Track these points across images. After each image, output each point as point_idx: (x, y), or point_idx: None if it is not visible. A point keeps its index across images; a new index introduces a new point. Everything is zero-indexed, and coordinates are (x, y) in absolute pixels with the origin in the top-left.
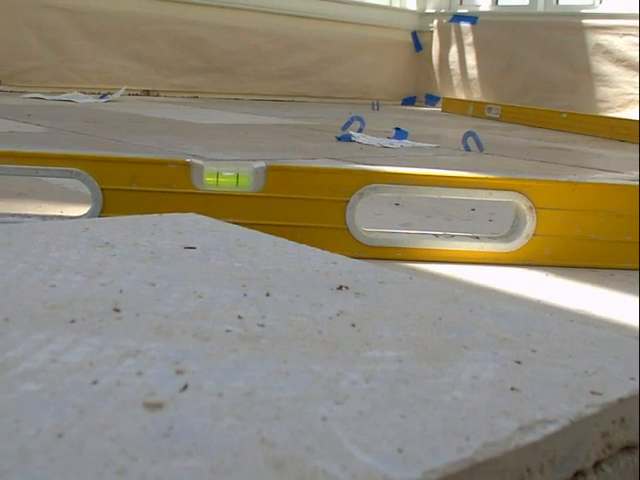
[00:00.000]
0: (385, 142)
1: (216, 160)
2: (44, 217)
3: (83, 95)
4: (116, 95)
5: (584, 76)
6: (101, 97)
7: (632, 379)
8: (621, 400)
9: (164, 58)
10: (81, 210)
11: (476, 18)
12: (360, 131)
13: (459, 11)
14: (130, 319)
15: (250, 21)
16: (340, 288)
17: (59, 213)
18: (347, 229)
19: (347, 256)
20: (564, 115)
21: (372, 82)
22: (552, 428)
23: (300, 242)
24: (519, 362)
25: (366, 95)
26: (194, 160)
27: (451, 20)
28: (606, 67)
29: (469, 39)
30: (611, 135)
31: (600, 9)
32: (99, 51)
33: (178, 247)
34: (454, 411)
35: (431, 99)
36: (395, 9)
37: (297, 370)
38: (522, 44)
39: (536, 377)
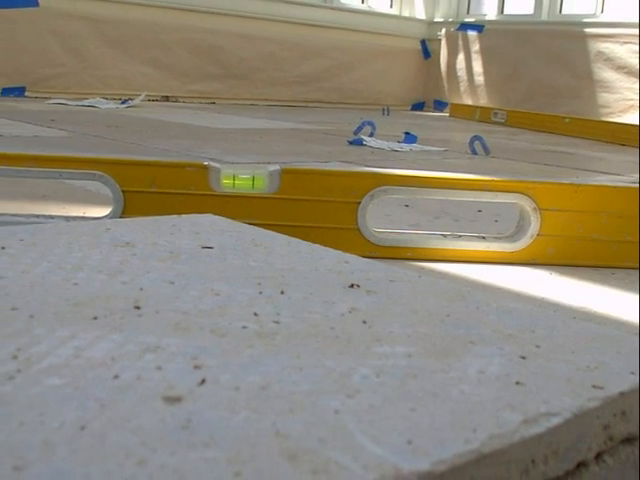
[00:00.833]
0: (395, 146)
1: (232, 163)
2: (67, 218)
3: (105, 101)
4: (136, 101)
5: (586, 82)
6: (122, 103)
7: (632, 374)
8: (622, 394)
9: (183, 65)
10: (103, 211)
11: (482, 27)
12: (371, 135)
13: (466, 20)
14: (150, 316)
15: (265, 30)
16: (352, 286)
17: (82, 214)
18: (358, 229)
19: (358, 255)
20: (567, 120)
21: (382, 88)
22: (555, 421)
23: (313, 242)
24: (524, 357)
25: (377, 101)
26: (211, 163)
27: (458, 29)
28: (607, 74)
29: (476, 47)
30: (612, 139)
31: (602, 18)
32: (120, 58)
33: (196, 247)
34: (461, 404)
35: (439, 105)
36: (405, 18)
37: (310, 365)
38: (527, 52)
39: (540, 372)
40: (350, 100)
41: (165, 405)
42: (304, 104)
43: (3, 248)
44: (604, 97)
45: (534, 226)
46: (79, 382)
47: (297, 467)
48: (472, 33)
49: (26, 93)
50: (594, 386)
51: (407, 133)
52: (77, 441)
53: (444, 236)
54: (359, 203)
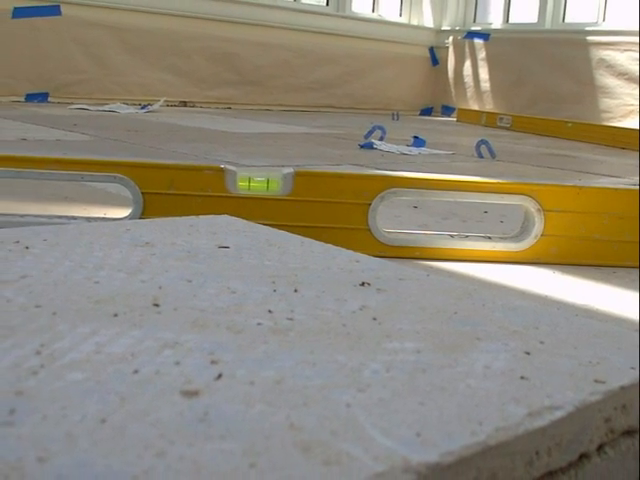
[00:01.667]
0: (404, 149)
1: (248, 166)
2: (89, 219)
3: (125, 106)
4: (155, 106)
5: (588, 88)
6: (142, 108)
7: (632, 368)
8: (622, 388)
9: (200, 72)
10: (123, 212)
11: (488, 35)
12: (381, 139)
13: (473, 28)
14: (168, 313)
15: (280, 37)
16: (363, 284)
17: (103, 215)
18: (369, 230)
19: (369, 255)
20: (570, 124)
21: (392, 94)
22: (559, 414)
23: (326, 242)
24: (528, 353)
25: (387, 106)
26: (228, 166)
27: (465, 37)
28: (609, 80)
29: (482, 54)
30: (613, 143)
31: (603, 26)
32: (140, 65)
33: (213, 246)
34: (468, 398)
35: (447, 110)
36: (414, 26)
37: (323, 360)
38: (531, 59)
39: (544, 367)
40: (361, 105)
41: (183, 399)
42: (317, 109)
43: (27, 248)
44: (605, 102)
45: (538, 227)
46: (100, 377)
47: (310, 458)
48: (478, 41)
49: (49, 99)
50: (596, 380)
51: (416, 137)
52: (98, 433)
53: (451, 236)
54: (370, 204)
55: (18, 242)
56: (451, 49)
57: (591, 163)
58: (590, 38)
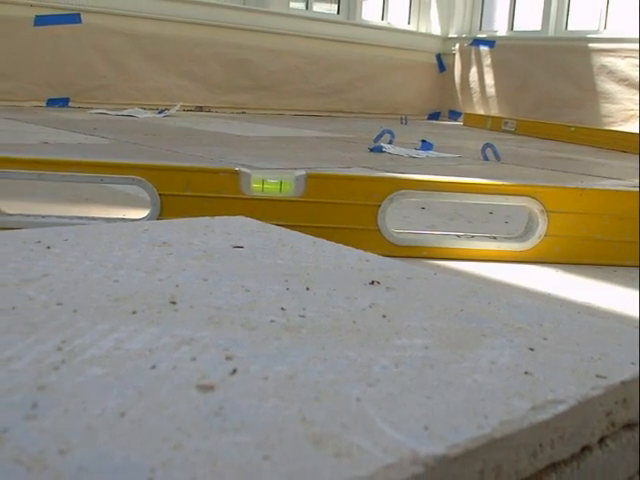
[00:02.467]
0: (412, 153)
1: (262, 169)
2: (108, 219)
3: (143, 111)
4: (172, 111)
5: (590, 94)
6: (159, 112)
7: (633, 364)
8: (623, 383)
9: (215, 78)
10: (141, 213)
11: (494, 42)
12: (390, 143)
13: (479, 36)
14: (185, 311)
15: (292, 44)
16: (372, 283)
17: (121, 216)
18: (379, 230)
19: (379, 255)
20: (572, 129)
21: (401, 99)
22: (562, 408)
23: (337, 242)
24: (532, 349)
25: (395, 111)
26: (242, 169)
27: (471, 44)
28: (610, 86)
29: (488, 61)
30: (614, 147)
31: (605, 34)
32: (157, 71)
33: (228, 246)
34: (474, 392)
35: (453, 114)
36: (421, 34)
37: (334, 356)
38: (535, 65)
39: (547, 362)
40: (371, 110)
41: (199, 393)
42: (328, 114)
43: (49, 247)
44: (607, 107)
45: (542, 227)
46: (119, 372)
47: (321, 451)
48: (484, 48)
49: (70, 104)
50: (597, 376)
51: (424, 141)
52: (117, 427)
53: (458, 236)
54: (379, 206)
55: (40, 242)
56: (458, 56)
57: (593, 166)
58: (592, 45)
